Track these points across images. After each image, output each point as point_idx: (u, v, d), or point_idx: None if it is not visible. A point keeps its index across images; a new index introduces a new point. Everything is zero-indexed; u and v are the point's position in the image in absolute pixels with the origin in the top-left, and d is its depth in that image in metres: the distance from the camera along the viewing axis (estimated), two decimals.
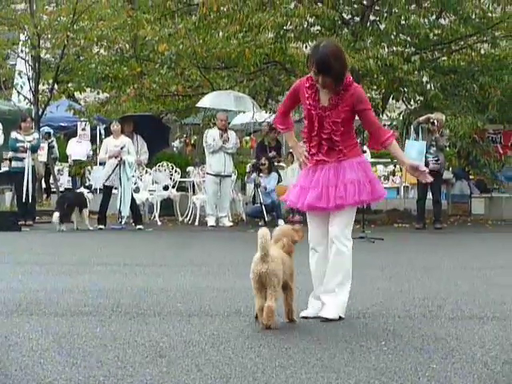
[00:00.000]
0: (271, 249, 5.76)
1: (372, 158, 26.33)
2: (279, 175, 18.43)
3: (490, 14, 17.46)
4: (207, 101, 17.61)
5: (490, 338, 5.47)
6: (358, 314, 6.42)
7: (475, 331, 5.72)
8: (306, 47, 17.74)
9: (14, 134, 16.66)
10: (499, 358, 4.90)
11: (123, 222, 16.13)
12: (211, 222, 16.76)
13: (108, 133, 17.40)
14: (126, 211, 16.07)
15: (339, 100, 6.13)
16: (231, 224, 16.88)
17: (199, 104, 17.94)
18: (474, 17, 17.15)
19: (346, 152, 6.17)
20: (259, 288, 5.72)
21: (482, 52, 18.11)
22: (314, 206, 6.19)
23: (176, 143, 25.10)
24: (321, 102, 6.18)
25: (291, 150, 6.70)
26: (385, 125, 20.75)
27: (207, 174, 17.08)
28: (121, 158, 15.95)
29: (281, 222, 16.71)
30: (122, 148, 16.09)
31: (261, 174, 17.30)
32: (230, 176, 17.19)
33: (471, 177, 20.16)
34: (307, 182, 6.26)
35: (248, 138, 21.98)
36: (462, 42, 18.15)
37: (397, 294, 7.34)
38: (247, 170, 18.86)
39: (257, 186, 17.11)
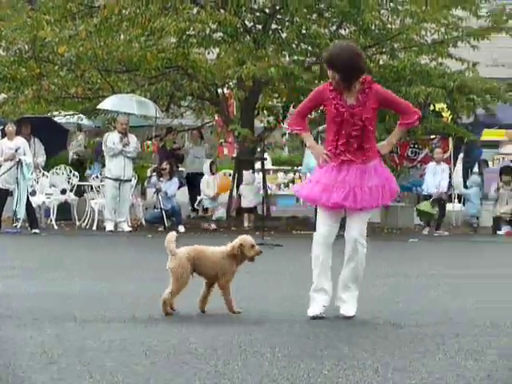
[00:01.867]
0: (181, 249, 6.50)
1: (273, 165, 26.60)
2: (181, 181, 18.42)
3: (389, 26, 17.80)
4: (109, 103, 17.45)
5: (382, 345, 5.56)
6: (256, 320, 6.44)
7: (368, 337, 5.81)
8: (208, 53, 17.77)
9: None
10: (390, 364, 4.98)
11: (19, 226, 15.82)
12: (110, 226, 16.57)
13: (3, 134, 17.05)
14: (21, 213, 15.74)
15: (366, 97, 6.44)
16: (130, 229, 16.73)
17: (100, 106, 17.76)
18: (373, 28, 17.45)
19: (370, 153, 6.48)
20: None
21: (381, 63, 18.44)
22: (340, 205, 6.47)
23: (74, 145, 24.69)
24: (348, 102, 6.46)
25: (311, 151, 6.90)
26: (285, 133, 21.04)
27: (106, 178, 16.89)
28: (19, 160, 15.65)
29: (181, 227, 16.68)
30: (16, 150, 15.79)
31: (161, 179, 17.23)
32: (130, 180, 17.05)
33: None
34: (331, 180, 6.47)
35: (150, 142, 21.85)
36: None
37: (300, 300, 7.38)
38: (148, 175, 18.76)
39: (157, 190, 17.03)
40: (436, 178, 17.74)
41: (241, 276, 6.94)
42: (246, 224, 17.31)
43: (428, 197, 17.79)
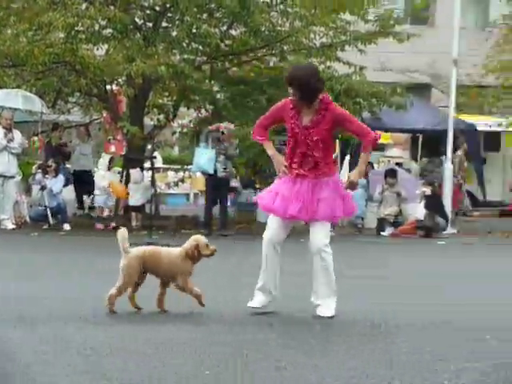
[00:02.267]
0: (134, 249, 6.77)
1: (163, 163, 26.49)
2: (67, 178, 18.11)
3: (279, 28, 17.94)
4: None
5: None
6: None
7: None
8: (97, 49, 17.56)
9: None
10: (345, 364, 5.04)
11: None
12: None
13: None
14: None
15: (321, 118, 6.80)
16: (14, 227, 16.38)
17: None
18: (263, 29, 17.55)
19: (325, 169, 6.85)
20: None
21: (271, 64, 18.59)
22: (296, 217, 6.87)
23: None
24: (303, 122, 6.82)
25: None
26: (175, 132, 20.96)
27: None
28: None
29: (66, 225, 16.44)
30: None
31: (46, 176, 16.93)
32: (14, 177, 16.71)
33: (257, 186, 20.63)
34: (287, 192, 6.82)
35: (36, 138, 21.44)
36: (252, 54, 18.55)
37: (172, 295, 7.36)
38: (33, 172, 18.39)
39: (43, 188, 16.73)
40: None
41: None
42: (133, 223, 17.17)
43: None
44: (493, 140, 25.13)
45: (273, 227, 6.91)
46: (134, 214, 17.46)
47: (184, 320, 6.55)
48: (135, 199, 17.44)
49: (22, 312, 6.59)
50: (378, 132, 22.13)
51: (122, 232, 6.73)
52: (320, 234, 6.84)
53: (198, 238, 6.88)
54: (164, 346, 5.43)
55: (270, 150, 7.08)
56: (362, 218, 18.81)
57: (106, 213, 17.83)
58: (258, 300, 6.91)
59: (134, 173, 17.63)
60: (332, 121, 6.85)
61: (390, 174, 18.89)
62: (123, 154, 19.58)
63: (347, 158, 20.98)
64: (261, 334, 6.05)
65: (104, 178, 18.05)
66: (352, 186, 7.09)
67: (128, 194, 17.38)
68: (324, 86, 7.06)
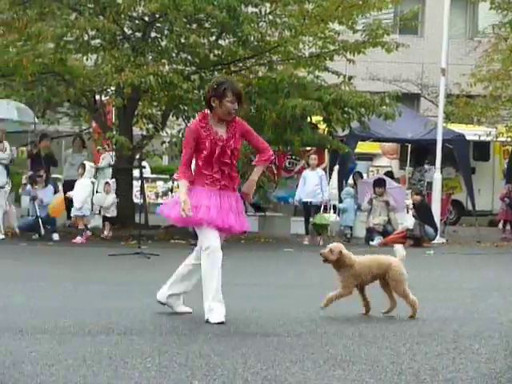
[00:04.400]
0: None
1: (152, 173, 26.50)
2: (55, 188, 18.08)
3: (268, 38, 17.98)
4: None
5: (253, 354, 5.61)
6: (124, 330, 6.41)
7: (239, 348, 5.85)
8: (86, 59, 17.57)
9: None
10: (260, 374, 5.05)
11: None
12: None
13: None
14: None
15: (235, 130, 7.09)
16: (3, 237, 16.35)
17: None
18: (252, 39, 17.59)
19: (236, 181, 7.18)
20: None
21: (260, 74, 18.62)
22: (233, 230, 7.12)
23: None
24: (218, 134, 7.03)
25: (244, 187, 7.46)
26: (164, 141, 21.02)
27: None
28: None
29: (55, 235, 16.42)
30: None
31: (36, 186, 16.90)
32: (4, 187, 16.69)
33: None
34: (218, 205, 6.97)
35: (24, 148, 21.43)
36: (241, 64, 18.59)
37: (166, 310, 7.38)
38: (23, 182, 18.36)
39: (33, 198, 16.70)
40: (310, 184, 17.88)
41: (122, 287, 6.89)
42: (105, 233, 17.16)
43: (308, 203, 17.86)
44: (482, 150, 25.24)
45: (212, 236, 7.00)
46: (106, 223, 17.39)
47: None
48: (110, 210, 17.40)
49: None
50: (367, 142, 22.25)
51: None
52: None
53: None
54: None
55: (184, 194, 6.97)
56: (351, 228, 18.84)
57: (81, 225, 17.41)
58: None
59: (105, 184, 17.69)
60: (241, 132, 7.16)
61: (379, 183, 18.92)
62: (112, 163, 19.56)
63: (336, 167, 21.04)
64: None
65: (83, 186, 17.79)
66: (246, 197, 7.38)
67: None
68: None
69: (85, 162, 18.16)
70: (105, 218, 17.52)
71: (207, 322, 6.76)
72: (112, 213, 17.40)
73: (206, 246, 6.91)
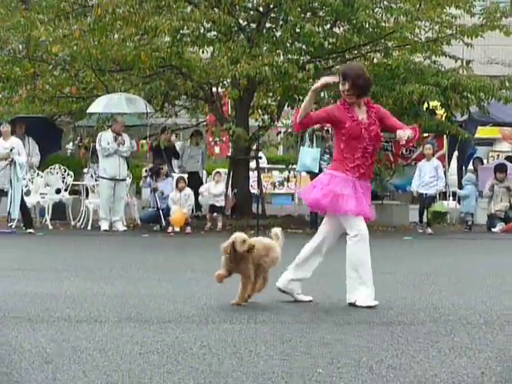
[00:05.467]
0: None
1: (268, 163, 26.60)
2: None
3: (383, 24, 17.76)
4: (99, 106, 17.35)
5: (376, 343, 5.57)
6: (248, 319, 6.45)
7: (362, 336, 5.82)
8: (202, 52, 17.75)
9: None
10: (384, 362, 5.00)
11: (13, 226, 15.80)
12: (105, 226, 16.54)
13: None
14: (15, 213, 15.72)
15: (374, 115, 7.14)
16: (125, 228, 16.70)
17: (91, 110, 17.63)
18: (367, 26, 17.40)
19: (372, 167, 7.27)
20: None
21: (375, 61, 18.42)
22: (365, 217, 7.28)
23: (70, 146, 24.72)
24: (360, 119, 7.08)
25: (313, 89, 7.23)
26: (280, 132, 21.05)
27: (101, 177, 16.87)
28: (12, 159, 15.65)
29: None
30: (11, 150, 15.78)
31: (157, 179, 17.16)
32: (125, 180, 17.04)
33: None
34: (360, 193, 7.14)
35: (144, 141, 21.83)
36: (356, 51, 18.42)
37: (287, 298, 7.39)
38: (143, 175, 18.70)
39: (154, 190, 16.99)
40: (426, 175, 17.61)
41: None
42: (219, 225, 17.07)
43: (423, 195, 17.64)
44: None
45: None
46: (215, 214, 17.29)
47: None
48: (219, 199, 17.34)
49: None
50: (487, 126, 21.69)
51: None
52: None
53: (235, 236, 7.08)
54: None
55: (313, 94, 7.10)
56: (472, 215, 18.48)
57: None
58: None
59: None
60: (378, 118, 7.18)
61: (500, 168, 18.48)
62: (229, 155, 19.73)
63: (455, 153, 20.66)
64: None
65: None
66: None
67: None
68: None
69: None
70: (212, 208, 17.44)
71: (357, 306, 7.00)
72: (221, 202, 17.39)
73: (355, 234, 7.15)
